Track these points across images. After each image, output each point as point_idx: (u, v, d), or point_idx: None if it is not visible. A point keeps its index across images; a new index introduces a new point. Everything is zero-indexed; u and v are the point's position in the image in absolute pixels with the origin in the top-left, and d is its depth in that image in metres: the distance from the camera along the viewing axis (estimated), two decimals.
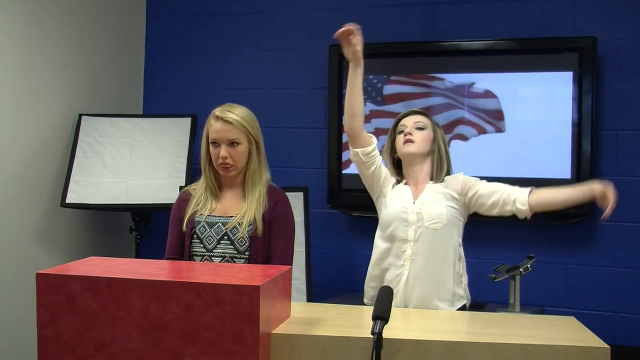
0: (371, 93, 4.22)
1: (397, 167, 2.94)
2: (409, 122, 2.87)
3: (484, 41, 4.06)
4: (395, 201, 2.83)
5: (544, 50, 3.95)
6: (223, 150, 2.60)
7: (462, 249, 2.84)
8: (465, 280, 2.85)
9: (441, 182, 2.85)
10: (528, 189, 2.76)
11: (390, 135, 2.95)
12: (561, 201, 2.76)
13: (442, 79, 4.10)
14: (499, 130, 3.99)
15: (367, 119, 4.22)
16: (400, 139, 2.87)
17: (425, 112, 2.97)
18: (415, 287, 2.76)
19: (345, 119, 2.82)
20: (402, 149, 2.85)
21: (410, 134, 2.83)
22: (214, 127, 2.62)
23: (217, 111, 2.64)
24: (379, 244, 2.86)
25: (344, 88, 4.20)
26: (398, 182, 2.91)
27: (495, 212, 2.80)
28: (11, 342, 3.77)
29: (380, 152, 2.91)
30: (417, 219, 2.77)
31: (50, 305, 2.00)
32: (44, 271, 2.05)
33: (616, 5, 3.90)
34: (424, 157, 2.86)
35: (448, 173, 2.90)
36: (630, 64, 3.86)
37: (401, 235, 2.79)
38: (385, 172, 2.91)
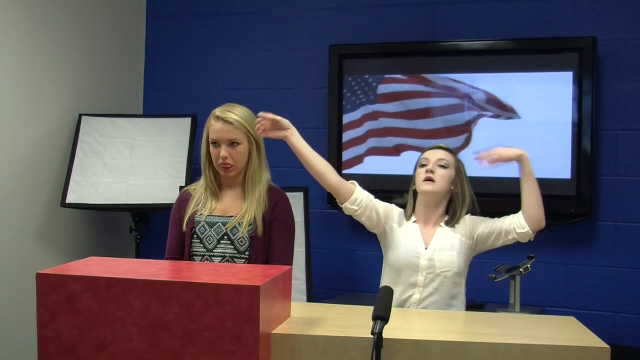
0: (367, 92, 4.22)
1: (414, 199, 2.84)
2: (432, 157, 2.78)
3: (484, 41, 4.06)
4: (405, 243, 2.75)
5: (544, 50, 3.94)
6: (223, 151, 2.60)
7: (464, 289, 2.80)
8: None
9: (452, 226, 2.78)
10: (520, 214, 2.72)
11: (415, 167, 2.85)
12: (528, 195, 2.69)
13: (441, 79, 4.10)
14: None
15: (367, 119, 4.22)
16: (421, 173, 2.77)
17: (451, 149, 2.87)
18: None
19: (321, 182, 2.71)
20: (421, 186, 2.75)
21: (432, 171, 2.74)
22: (214, 127, 2.62)
23: (217, 111, 2.64)
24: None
25: (344, 88, 4.27)
26: (407, 217, 2.81)
27: (499, 244, 2.77)
28: (11, 342, 3.77)
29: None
30: (429, 265, 2.71)
31: (50, 305, 2.00)
32: (44, 271, 2.05)
33: (616, 5, 3.90)
34: (441, 197, 2.78)
35: (474, 212, 2.82)
36: (630, 64, 3.86)
37: (410, 280, 2.72)
38: (383, 208, 2.80)
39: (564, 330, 2.20)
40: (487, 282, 3.43)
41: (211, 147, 2.63)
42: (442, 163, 2.76)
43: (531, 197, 2.70)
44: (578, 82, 3.84)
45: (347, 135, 4.25)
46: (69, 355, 1.99)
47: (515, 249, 3.87)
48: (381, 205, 2.81)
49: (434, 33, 4.21)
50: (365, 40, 4.31)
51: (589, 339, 2.07)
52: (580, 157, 3.83)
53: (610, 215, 3.89)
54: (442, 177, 2.74)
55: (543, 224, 2.73)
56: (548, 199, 3.84)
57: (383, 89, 4.20)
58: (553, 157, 3.88)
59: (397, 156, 4.15)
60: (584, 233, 3.92)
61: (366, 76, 4.22)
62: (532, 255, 3.36)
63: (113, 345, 1.97)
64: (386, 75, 4.20)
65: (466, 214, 2.81)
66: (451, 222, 2.78)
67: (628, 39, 3.86)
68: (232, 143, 2.60)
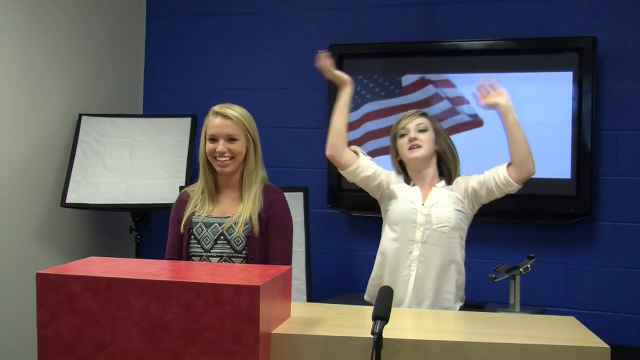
0: (378, 91, 4.22)
1: (403, 169, 2.93)
2: (410, 125, 2.85)
3: (484, 41, 4.06)
4: (404, 199, 2.84)
5: (544, 50, 3.94)
6: (221, 145, 2.61)
7: (464, 252, 2.85)
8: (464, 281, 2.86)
9: (449, 184, 2.86)
10: (506, 163, 2.78)
11: (392, 139, 2.93)
12: (514, 145, 2.74)
13: (440, 80, 4.10)
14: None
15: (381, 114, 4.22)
16: (403, 143, 2.85)
17: (424, 112, 2.96)
18: (424, 287, 2.77)
19: (330, 138, 2.82)
20: (409, 154, 2.83)
21: (415, 138, 2.82)
22: (212, 123, 2.63)
23: (216, 107, 2.67)
24: (388, 244, 2.85)
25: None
26: (406, 182, 2.90)
27: (494, 197, 2.82)
28: (11, 342, 3.77)
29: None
30: (426, 221, 2.78)
31: (50, 305, 2.00)
32: (44, 271, 2.05)
33: (616, 5, 3.90)
34: (429, 159, 2.86)
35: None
36: (630, 64, 3.86)
37: (409, 236, 2.79)
38: (384, 173, 2.91)
39: (564, 330, 2.20)
40: (487, 282, 3.43)
41: (208, 143, 2.64)
42: (421, 127, 2.85)
43: (519, 147, 2.74)
44: (578, 82, 3.84)
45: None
46: (69, 355, 1.99)
47: (515, 249, 3.88)
48: (380, 171, 2.89)
49: (434, 33, 4.21)
50: (365, 40, 4.31)
51: (589, 339, 2.07)
52: (580, 157, 3.83)
53: (610, 215, 3.89)
54: (426, 140, 2.83)
55: (533, 171, 2.77)
56: (548, 199, 3.89)
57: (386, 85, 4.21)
58: (553, 157, 3.87)
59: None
60: (584, 233, 3.92)
61: (376, 76, 4.22)
62: (532, 255, 3.37)
63: (113, 345, 1.97)
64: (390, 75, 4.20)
65: (457, 174, 2.90)
66: (448, 182, 2.87)
67: (628, 39, 3.86)
68: (230, 139, 2.61)
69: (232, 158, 2.62)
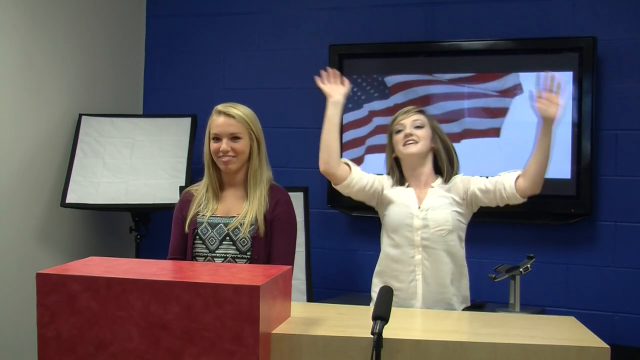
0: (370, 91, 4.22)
1: (397, 167, 2.90)
2: (406, 121, 2.83)
3: (484, 41, 4.06)
4: (399, 204, 2.81)
5: (544, 50, 3.94)
6: (224, 144, 2.61)
7: (464, 251, 2.84)
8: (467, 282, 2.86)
9: (446, 183, 2.83)
10: (515, 174, 2.73)
11: (388, 136, 2.91)
12: (536, 161, 2.68)
13: (442, 80, 4.10)
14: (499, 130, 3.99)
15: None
16: (399, 138, 2.83)
17: (421, 108, 2.94)
18: (432, 291, 2.75)
19: (322, 156, 2.75)
20: (405, 149, 2.80)
21: (411, 134, 2.80)
22: (216, 122, 2.64)
23: (220, 106, 2.67)
24: (388, 250, 2.83)
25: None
26: (400, 184, 2.87)
27: (494, 205, 2.80)
28: (11, 342, 3.77)
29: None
30: (423, 224, 2.76)
31: (50, 305, 2.00)
32: (44, 271, 2.05)
33: (616, 5, 3.90)
34: (425, 156, 2.84)
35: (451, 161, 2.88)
36: (630, 64, 3.86)
37: (408, 241, 2.77)
38: (377, 179, 2.87)
39: (564, 330, 2.20)
40: (487, 282, 3.43)
41: (212, 142, 2.64)
42: (417, 124, 2.82)
43: (542, 165, 2.68)
44: (578, 82, 3.84)
45: (347, 135, 4.25)
46: (69, 355, 1.99)
47: (515, 249, 3.88)
48: (373, 179, 2.86)
49: (434, 33, 4.21)
50: (365, 40, 4.31)
51: (589, 339, 2.07)
52: (581, 157, 3.83)
53: (610, 215, 3.89)
54: (422, 136, 2.81)
55: (538, 191, 2.73)
56: (548, 199, 3.89)
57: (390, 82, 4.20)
58: (553, 157, 3.83)
59: None
60: (584, 233, 3.92)
61: (375, 75, 4.22)
62: (532, 255, 3.37)
63: (113, 345, 1.97)
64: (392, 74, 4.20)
65: (455, 173, 2.86)
66: (443, 181, 2.83)
67: (628, 39, 3.86)
68: (234, 137, 2.62)
69: (235, 156, 2.62)
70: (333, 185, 2.85)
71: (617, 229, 3.88)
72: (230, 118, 2.62)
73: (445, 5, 4.20)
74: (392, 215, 2.81)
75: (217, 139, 2.63)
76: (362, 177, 2.83)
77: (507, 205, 2.80)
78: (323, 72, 2.83)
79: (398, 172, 2.89)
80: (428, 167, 2.85)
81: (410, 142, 2.79)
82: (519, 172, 2.74)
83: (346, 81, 2.84)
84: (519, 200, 2.74)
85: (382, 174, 2.93)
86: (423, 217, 2.76)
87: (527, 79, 3.95)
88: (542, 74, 2.74)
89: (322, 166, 2.77)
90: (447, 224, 2.75)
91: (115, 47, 4.60)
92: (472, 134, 4.02)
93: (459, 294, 2.79)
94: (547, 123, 2.67)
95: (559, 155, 3.85)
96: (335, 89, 2.80)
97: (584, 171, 3.82)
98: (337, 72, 2.84)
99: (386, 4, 4.30)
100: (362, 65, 4.26)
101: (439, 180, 2.85)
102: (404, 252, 2.77)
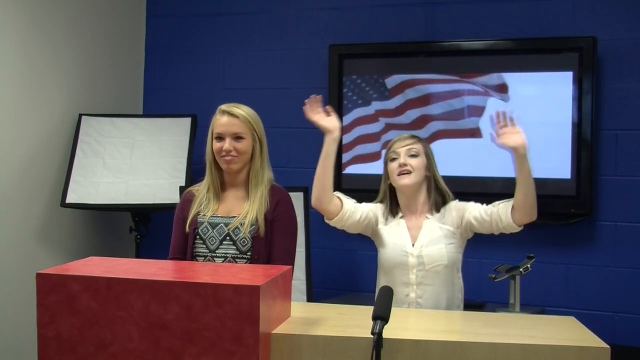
0: (369, 92, 4.22)
1: (392, 194, 2.85)
2: (401, 149, 2.78)
3: (484, 41, 4.06)
4: (393, 242, 2.77)
5: (544, 50, 3.94)
6: (227, 144, 2.61)
7: (460, 274, 2.81)
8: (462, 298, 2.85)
9: (439, 213, 2.79)
10: (510, 204, 2.66)
11: (384, 163, 2.86)
12: (522, 194, 2.60)
13: (443, 80, 4.10)
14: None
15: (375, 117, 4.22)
16: (393, 168, 2.78)
17: (415, 135, 2.88)
18: None
19: (316, 192, 2.68)
20: (399, 181, 2.76)
21: (404, 164, 2.75)
22: (219, 121, 2.64)
23: (223, 106, 2.68)
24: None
25: (345, 87, 4.27)
26: (392, 214, 2.83)
27: (489, 233, 2.76)
28: (11, 342, 3.77)
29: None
30: (418, 262, 2.73)
31: (50, 305, 2.00)
32: (44, 271, 2.05)
33: (616, 5, 3.90)
34: (420, 186, 2.80)
35: (440, 192, 2.82)
36: (630, 64, 3.86)
37: (402, 280, 2.74)
38: (368, 213, 2.81)
39: (564, 330, 2.19)
40: (487, 282, 3.43)
41: (215, 142, 2.64)
42: (412, 152, 2.77)
43: (528, 196, 2.61)
44: (578, 82, 3.84)
45: (346, 136, 4.25)
46: (69, 355, 1.99)
47: (515, 249, 3.88)
48: (366, 211, 2.80)
49: (434, 33, 4.21)
50: (365, 40, 4.31)
51: (589, 339, 2.07)
52: (581, 157, 3.83)
53: (610, 215, 3.88)
54: (416, 166, 2.76)
55: (535, 217, 2.69)
56: (548, 199, 3.89)
57: (390, 83, 4.20)
58: (553, 157, 3.87)
59: None
60: (584, 233, 3.92)
61: (375, 75, 4.22)
62: (532, 255, 3.36)
63: (113, 345, 1.97)
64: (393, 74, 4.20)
65: (450, 199, 2.82)
66: (438, 208, 2.78)
67: (628, 39, 3.86)
68: (237, 137, 2.62)
69: (238, 156, 2.62)
70: (326, 221, 2.78)
71: (617, 229, 3.88)
72: (234, 118, 2.62)
73: (445, 5, 4.20)
74: (386, 256, 2.78)
75: (220, 138, 2.63)
76: (355, 211, 2.77)
77: (502, 234, 2.76)
78: (307, 101, 2.75)
79: (392, 199, 2.85)
80: (423, 195, 2.81)
81: (405, 172, 2.74)
82: (513, 202, 2.68)
83: (331, 110, 2.75)
84: (516, 229, 2.71)
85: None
86: (417, 254, 2.73)
87: (527, 79, 3.96)
88: (492, 114, 2.69)
89: (315, 202, 2.71)
90: (443, 259, 2.72)
91: (115, 47, 4.60)
92: (472, 133, 4.02)
93: (453, 308, 2.77)
94: (518, 153, 2.60)
95: (559, 155, 3.87)
96: (333, 124, 2.71)
97: (584, 171, 3.82)
98: (319, 97, 2.76)
99: (386, 4, 4.30)
100: (362, 65, 4.26)
101: (434, 210, 2.80)
102: (398, 290, 2.68)
